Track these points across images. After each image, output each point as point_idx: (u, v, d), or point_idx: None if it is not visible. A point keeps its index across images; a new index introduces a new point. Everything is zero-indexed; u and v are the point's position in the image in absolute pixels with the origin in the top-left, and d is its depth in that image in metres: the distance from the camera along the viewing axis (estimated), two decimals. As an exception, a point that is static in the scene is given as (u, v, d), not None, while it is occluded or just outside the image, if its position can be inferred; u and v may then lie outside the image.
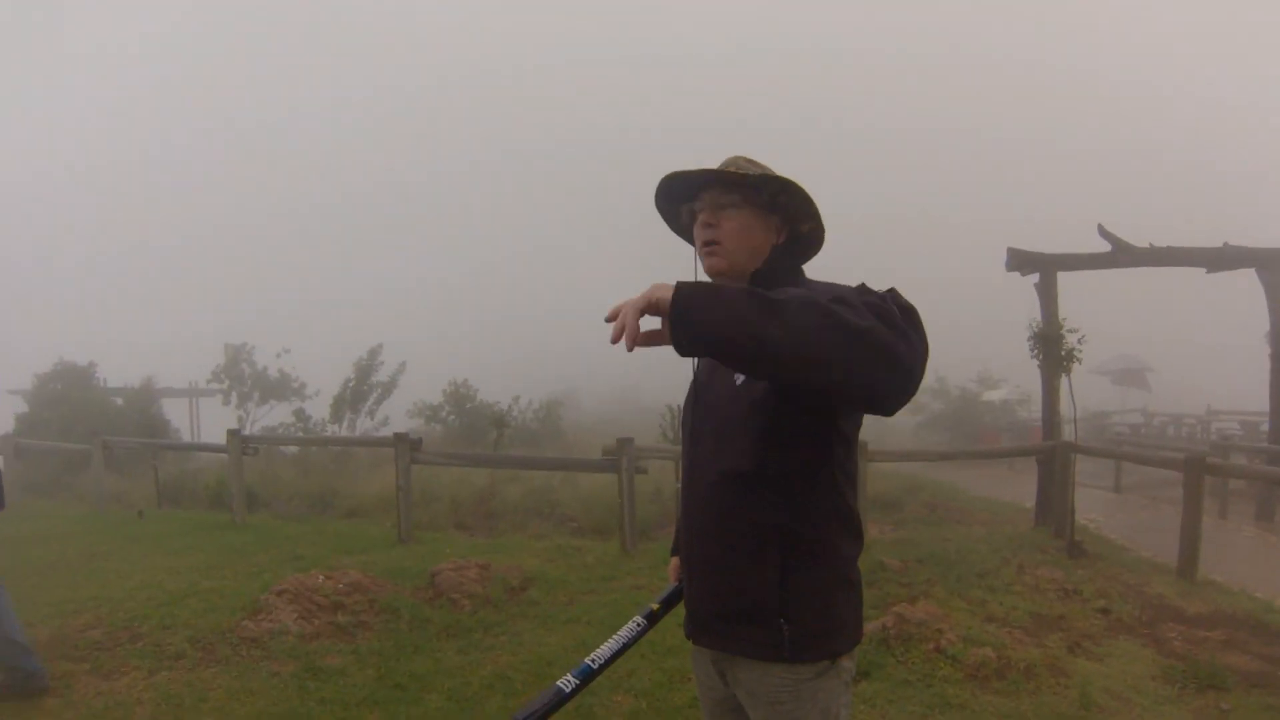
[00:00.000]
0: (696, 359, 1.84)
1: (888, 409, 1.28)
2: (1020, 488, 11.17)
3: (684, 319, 1.19)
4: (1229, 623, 5.03)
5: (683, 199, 1.74)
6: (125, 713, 3.62)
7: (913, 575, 5.79)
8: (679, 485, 7.87)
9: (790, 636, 1.52)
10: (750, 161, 1.69)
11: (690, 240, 1.81)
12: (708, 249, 1.65)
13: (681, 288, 1.20)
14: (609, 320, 1.24)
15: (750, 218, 1.65)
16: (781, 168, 1.71)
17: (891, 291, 1.33)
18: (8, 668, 3.84)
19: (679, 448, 8.97)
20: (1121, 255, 8.77)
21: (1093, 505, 9.98)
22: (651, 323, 1.26)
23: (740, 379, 1.57)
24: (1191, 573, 6.13)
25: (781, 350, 1.18)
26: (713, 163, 1.71)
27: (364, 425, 16.92)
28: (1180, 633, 4.79)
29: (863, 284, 1.37)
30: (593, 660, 1.52)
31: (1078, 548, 6.76)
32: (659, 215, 1.83)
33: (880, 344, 1.19)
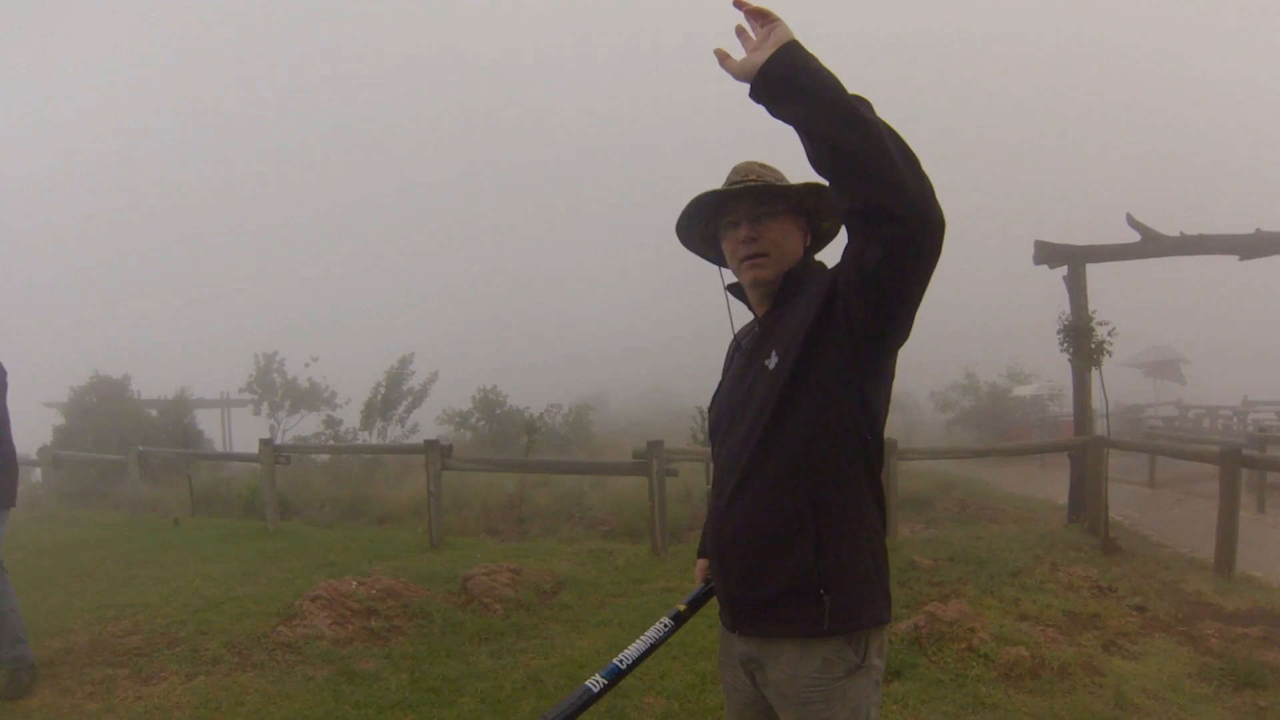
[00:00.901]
0: (727, 355, 1.87)
1: (924, 240, 1.36)
2: (1053, 484, 11.04)
3: (782, 62, 1.36)
4: (1267, 619, 4.92)
5: (706, 217, 1.78)
6: (164, 716, 3.68)
7: (944, 574, 5.74)
8: (710, 484, 7.87)
9: (831, 608, 1.54)
10: (764, 166, 1.74)
11: (706, 255, 1.88)
12: (754, 260, 1.68)
13: (788, 45, 1.36)
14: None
15: (787, 224, 1.70)
16: (788, 167, 1.74)
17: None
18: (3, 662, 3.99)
19: (709, 449, 9.05)
20: (1151, 245, 8.62)
21: (1127, 501, 9.83)
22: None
23: (773, 363, 1.60)
24: (1229, 568, 6.01)
25: (861, 130, 1.32)
26: (720, 169, 1.77)
27: (394, 433, 17.06)
28: (1217, 630, 4.70)
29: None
30: (621, 661, 1.54)
31: (1112, 544, 6.66)
32: (677, 235, 1.86)
33: (923, 174, 1.35)
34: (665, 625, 1.64)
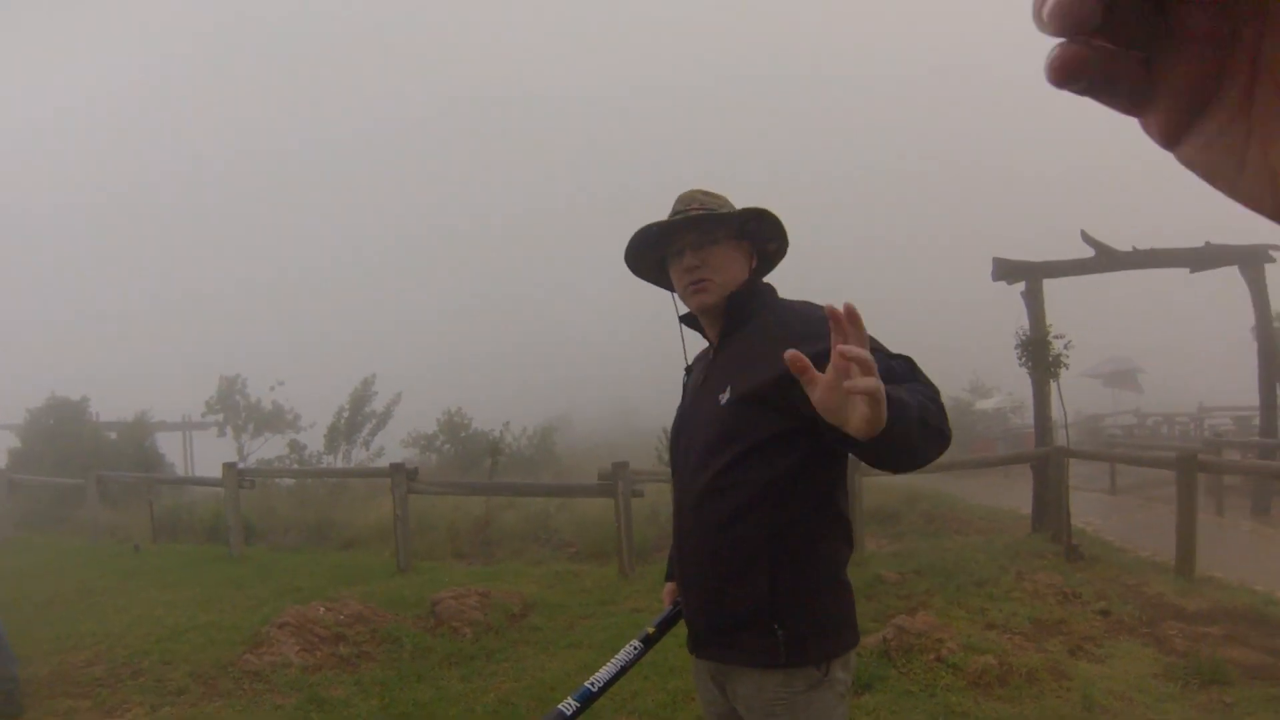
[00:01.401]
0: (686, 374, 1.91)
1: (894, 473, 1.39)
2: (1016, 495, 11.20)
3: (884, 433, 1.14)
4: (1229, 617, 5.06)
5: (652, 246, 1.81)
6: (128, 750, 3.60)
7: (911, 586, 5.81)
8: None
9: (785, 640, 1.56)
10: (707, 194, 1.78)
11: (657, 282, 1.92)
12: (698, 285, 1.71)
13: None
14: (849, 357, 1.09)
15: (730, 249, 1.74)
16: (744, 190, 1.79)
17: (918, 370, 1.45)
18: None
19: (672, 469, 9.00)
20: (1105, 260, 8.86)
21: (1089, 508, 10.01)
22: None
23: (725, 398, 1.63)
24: (1189, 570, 6.16)
25: (911, 456, 1.27)
26: (668, 199, 1.80)
27: (359, 456, 16.87)
28: (1181, 630, 4.82)
29: (887, 353, 1.45)
30: (592, 684, 1.55)
31: (1075, 551, 6.79)
32: (627, 265, 1.89)
33: (941, 448, 1.33)
34: (635, 648, 1.65)
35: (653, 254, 1.84)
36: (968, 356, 23.19)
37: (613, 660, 1.58)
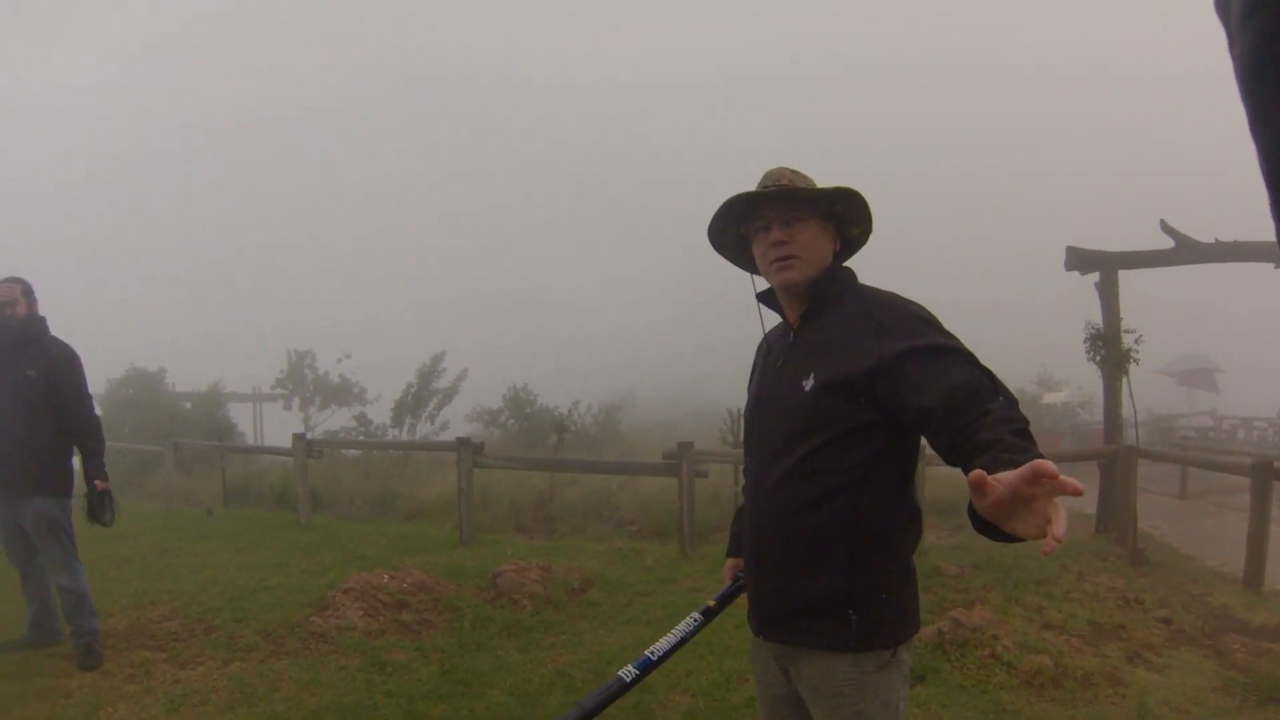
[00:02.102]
0: (759, 352, 1.93)
1: None
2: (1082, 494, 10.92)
3: None
4: (1296, 634, 4.88)
5: (737, 220, 1.81)
6: (201, 699, 3.80)
7: (969, 580, 5.74)
8: (739, 486, 7.89)
9: (858, 626, 1.60)
10: (795, 172, 1.77)
11: (735, 259, 1.91)
12: (784, 263, 1.72)
13: None
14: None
15: (816, 228, 1.74)
16: (815, 174, 1.79)
17: (999, 385, 1.47)
18: (38, 626, 4.36)
19: (739, 451, 8.91)
20: (1185, 251, 8.48)
21: (1156, 512, 9.71)
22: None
23: (810, 384, 1.64)
24: (1258, 583, 5.95)
25: None
26: (751, 177, 1.80)
27: (424, 430, 17.20)
28: (1243, 644, 4.66)
29: (974, 360, 1.49)
30: (652, 653, 1.60)
31: (1140, 555, 6.61)
32: (709, 238, 1.89)
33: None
34: (695, 620, 1.70)
35: (734, 230, 1.84)
36: (1036, 347, 22.52)
37: (673, 631, 1.62)
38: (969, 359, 1.50)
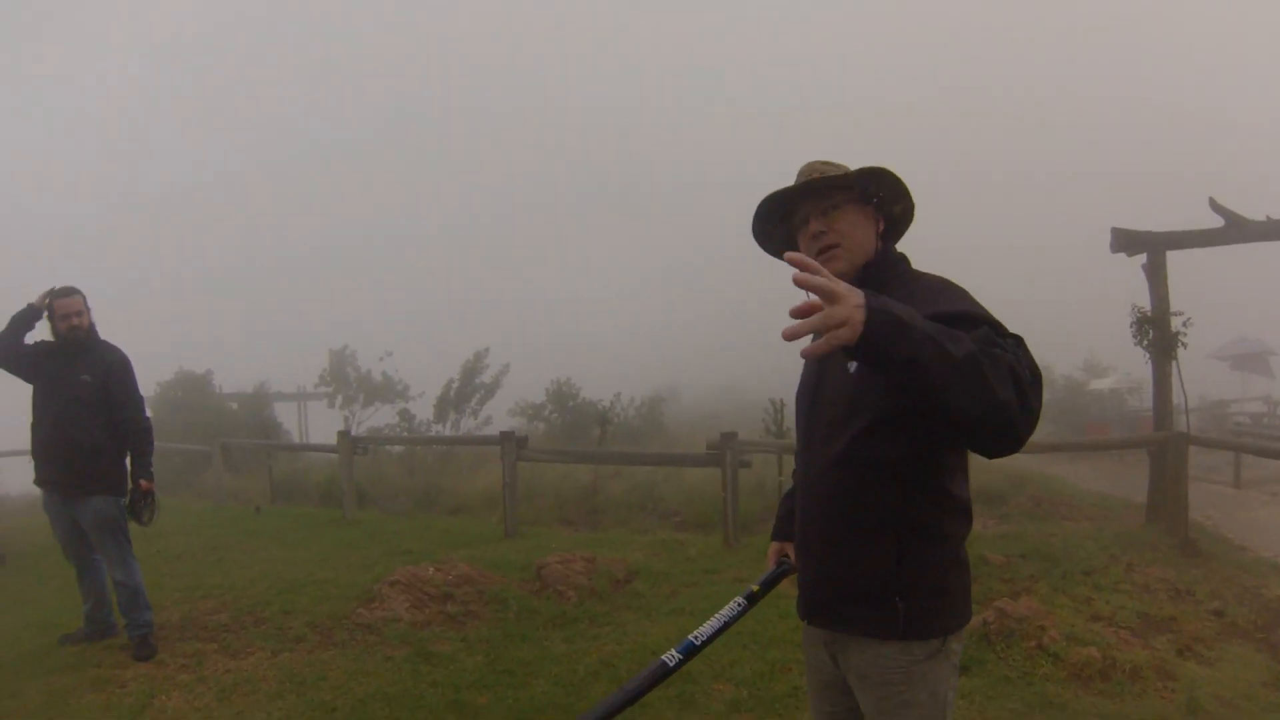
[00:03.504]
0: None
1: (988, 456, 1.36)
2: (1131, 482, 10.68)
3: (867, 354, 1.21)
4: (1351, 627, 4.74)
5: (778, 220, 1.82)
6: (252, 688, 3.92)
7: (1016, 570, 5.66)
8: (782, 475, 7.81)
9: (906, 614, 1.59)
10: (827, 163, 1.77)
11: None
12: (827, 253, 1.71)
13: (871, 322, 1.17)
14: (792, 314, 1.20)
15: (855, 213, 1.73)
16: (856, 153, 1.78)
17: (1018, 342, 1.38)
18: (94, 619, 4.53)
19: (782, 441, 8.89)
20: (1235, 230, 8.19)
21: (1209, 501, 9.46)
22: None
23: (854, 367, 1.62)
24: (1315, 573, 5.77)
25: (934, 396, 1.23)
26: (789, 176, 1.79)
27: (467, 425, 17.39)
28: (1298, 638, 4.55)
29: (996, 325, 1.41)
30: (695, 637, 1.61)
31: (1191, 546, 6.45)
32: (756, 242, 1.90)
33: (1009, 421, 1.26)
34: (739, 604, 1.70)
35: (779, 230, 1.84)
36: (1082, 332, 22.01)
37: (716, 616, 1.63)
38: (990, 323, 1.42)
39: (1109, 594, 5.17)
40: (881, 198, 1.76)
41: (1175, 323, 7.03)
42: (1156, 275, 8.05)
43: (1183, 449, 7.26)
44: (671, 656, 1.58)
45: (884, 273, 1.72)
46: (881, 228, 1.78)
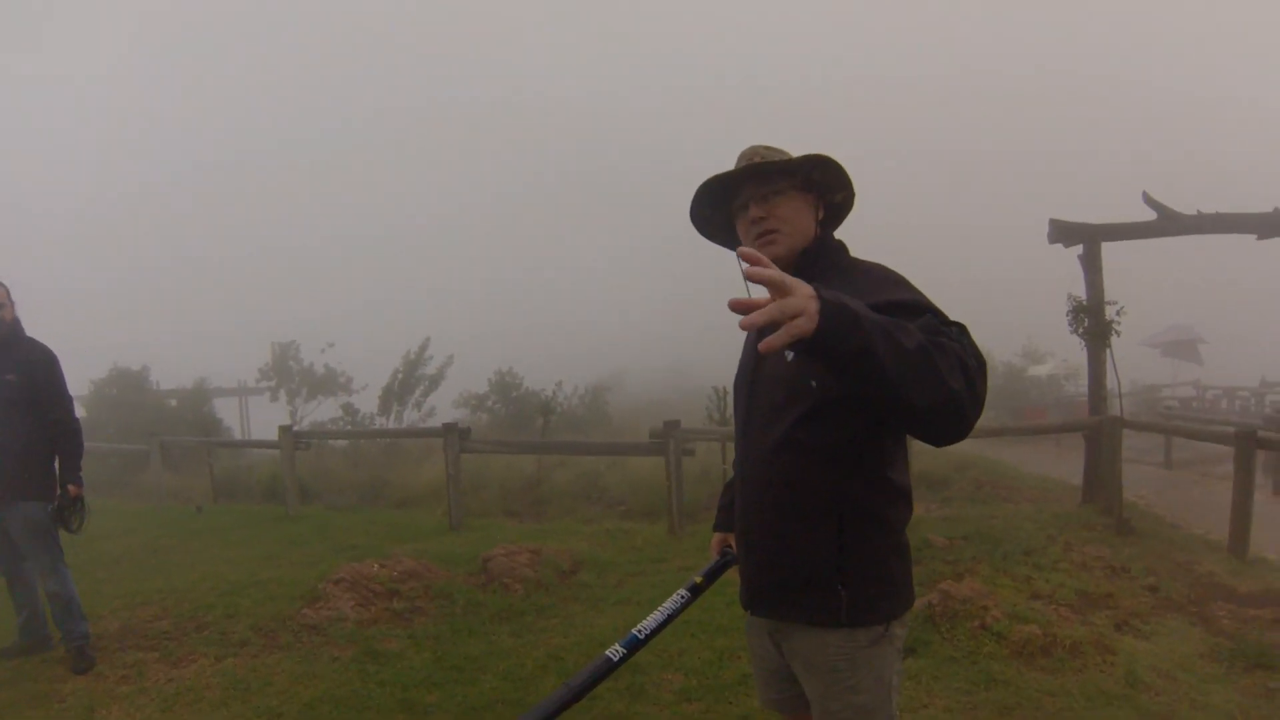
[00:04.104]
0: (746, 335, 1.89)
1: (936, 445, 1.36)
2: (1068, 465, 11.03)
3: (822, 346, 1.19)
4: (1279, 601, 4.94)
5: (717, 203, 1.81)
6: (195, 697, 3.79)
7: (958, 553, 5.78)
8: (726, 463, 7.87)
9: (848, 602, 1.59)
10: (769, 148, 1.76)
11: (723, 242, 1.89)
12: (766, 238, 1.70)
13: (826, 314, 1.16)
14: (736, 308, 1.17)
15: (796, 200, 1.72)
16: (799, 136, 1.77)
17: (961, 330, 1.37)
18: (28, 632, 4.35)
19: (726, 429, 8.94)
20: (1167, 223, 8.50)
21: (1142, 482, 9.80)
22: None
23: (792, 354, 1.61)
24: (1243, 550, 6.01)
25: (888, 388, 1.22)
26: (729, 158, 1.78)
27: (411, 417, 17.18)
28: (1229, 611, 4.72)
29: (938, 314, 1.41)
30: (639, 631, 1.59)
31: (1126, 525, 6.67)
32: (693, 225, 1.88)
33: (959, 410, 1.26)
34: (682, 596, 1.69)
35: (718, 215, 1.83)
36: (1021, 320, 22.62)
37: (660, 609, 1.62)
38: (933, 312, 1.42)
39: (1048, 573, 5.30)
40: (824, 186, 1.76)
41: (1109, 311, 7.25)
42: (1092, 265, 8.31)
43: (1117, 432, 7.51)
44: (615, 651, 1.56)
45: (821, 260, 1.71)
46: (821, 215, 1.77)
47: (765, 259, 1.19)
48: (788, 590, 1.66)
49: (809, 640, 1.66)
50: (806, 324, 1.15)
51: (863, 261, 1.72)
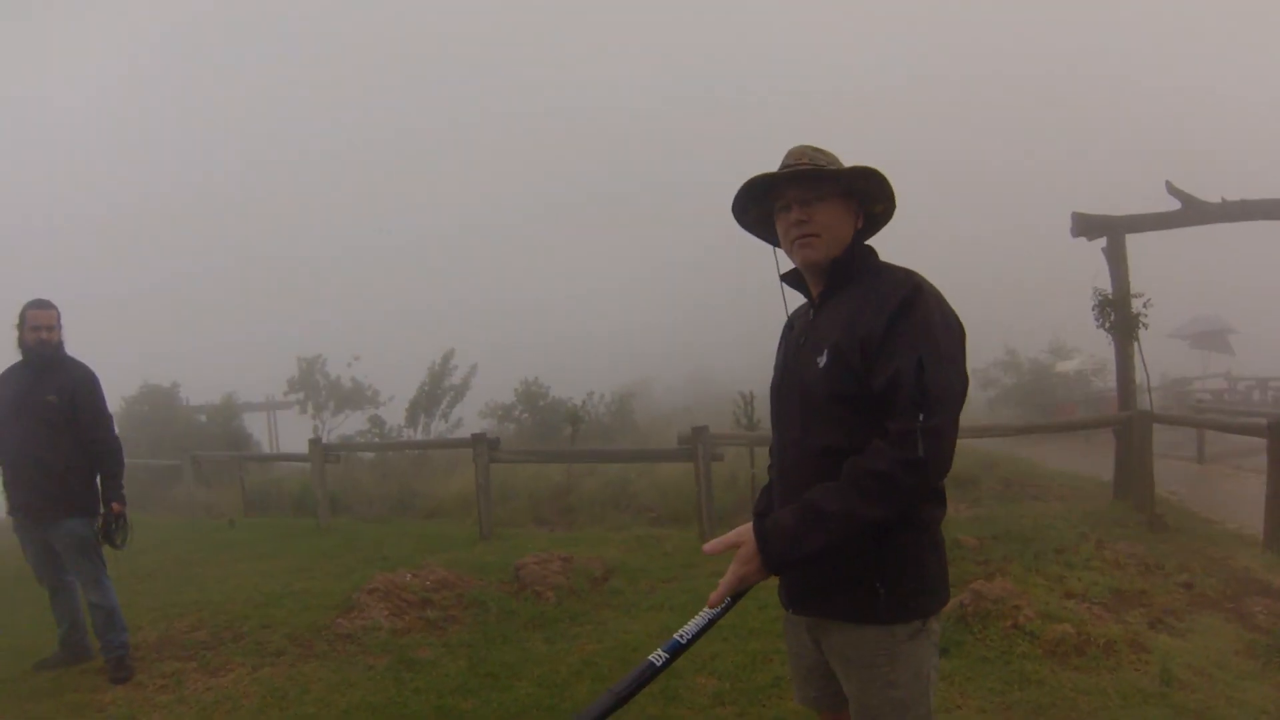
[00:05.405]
0: (786, 330, 1.97)
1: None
2: (1098, 461, 10.88)
3: (779, 570, 1.63)
4: (1317, 595, 4.87)
5: (757, 198, 1.84)
6: (233, 705, 3.85)
7: (989, 552, 5.75)
8: (755, 468, 7.83)
9: (886, 598, 1.63)
10: (817, 150, 1.78)
11: (759, 234, 1.93)
12: (805, 240, 1.74)
13: (767, 561, 1.60)
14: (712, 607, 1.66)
15: (838, 206, 1.75)
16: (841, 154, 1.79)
17: (937, 391, 1.55)
18: (69, 643, 4.44)
19: (753, 433, 8.93)
20: (1192, 213, 8.39)
21: (1174, 477, 9.66)
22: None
23: (823, 360, 1.67)
24: (1278, 544, 5.91)
25: (840, 543, 1.57)
26: (775, 153, 1.81)
27: (438, 428, 17.27)
28: (1265, 606, 4.65)
29: (923, 375, 1.56)
30: (681, 636, 1.61)
31: (1159, 521, 6.60)
32: (733, 216, 1.93)
33: (896, 510, 1.57)
34: (724, 601, 1.71)
35: (758, 208, 1.86)
36: (1047, 316, 22.32)
37: (701, 614, 1.64)
38: (926, 358, 1.57)
39: (1080, 571, 5.26)
40: (866, 195, 1.78)
41: (1136, 304, 7.17)
42: (1116, 258, 8.22)
43: (1147, 427, 7.42)
44: (659, 656, 1.58)
45: (852, 267, 1.75)
46: (860, 223, 1.80)
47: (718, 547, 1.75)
48: (827, 588, 1.70)
49: (848, 636, 1.69)
50: (748, 570, 1.63)
51: (891, 266, 1.75)
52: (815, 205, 1.73)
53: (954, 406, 1.58)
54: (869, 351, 1.60)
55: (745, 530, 1.65)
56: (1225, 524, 7.20)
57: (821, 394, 1.67)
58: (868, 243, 1.83)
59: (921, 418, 1.52)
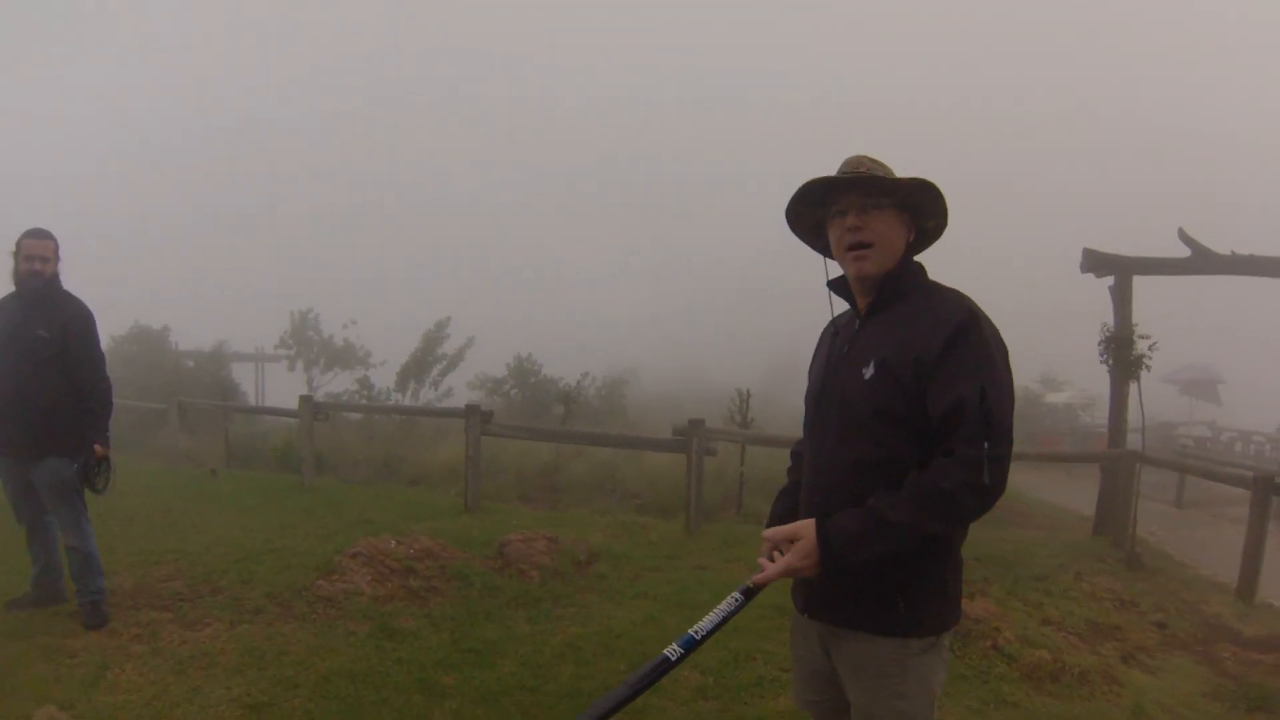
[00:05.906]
0: (821, 343, 1.98)
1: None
2: (1077, 494, 11.00)
3: (833, 570, 1.65)
4: (1283, 648, 4.95)
5: (813, 204, 1.83)
6: (210, 661, 3.77)
7: (970, 573, 5.77)
8: (744, 466, 7.83)
9: (905, 612, 1.66)
10: (875, 161, 1.79)
11: (808, 240, 1.93)
12: (858, 252, 1.74)
13: (825, 559, 1.63)
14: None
15: (892, 218, 1.75)
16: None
17: (993, 436, 1.59)
18: (42, 584, 4.36)
19: (748, 432, 8.93)
20: (1201, 261, 8.46)
21: (1153, 518, 9.76)
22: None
23: (869, 373, 1.69)
24: (1250, 594, 6.02)
25: (897, 552, 1.61)
26: (830, 161, 1.81)
27: (427, 395, 17.23)
28: (1234, 654, 4.74)
29: (986, 402, 1.60)
30: (696, 632, 1.63)
31: (1137, 560, 6.68)
32: (787, 220, 1.92)
33: (958, 523, 1.67)
34: (736, 599, 1.72)
35: (810, 213, 1.86)
36: (1039, 346, 22.47)
37: (715, 610, 1.66)
38: (988, 386, 1.61)
39: (1059, 600, 5.33)
40: (920, 209, 1.78)
41: (1141, 345, 7.22)
42: (1122, 298, 8.29)
43: (1134, 467, 7.49)
44: (673, 651, 1.61)
45: (903, 282, 1.76)
46: (912, 238, 1.80)
47: (777, 536, 1.73)
48: (849, 598, 1.72)
49: (862, 646, 1.71)
50: (807, 573, 1.68)
51: (941, 287, 1.76)
52: (872, 214, 1.73)
53: (1011, 435, 1.63)
54: (923, 372, 1.62)
55: (804, 526, 1.66)
56: (1200, 569, 7.30)
57: (865, 408, 1.68)
58: (918, 260, 1.84)
59: (987, 445, 1.55)
